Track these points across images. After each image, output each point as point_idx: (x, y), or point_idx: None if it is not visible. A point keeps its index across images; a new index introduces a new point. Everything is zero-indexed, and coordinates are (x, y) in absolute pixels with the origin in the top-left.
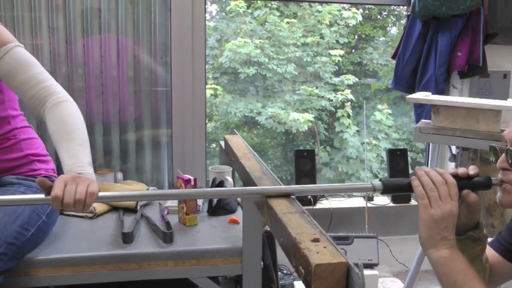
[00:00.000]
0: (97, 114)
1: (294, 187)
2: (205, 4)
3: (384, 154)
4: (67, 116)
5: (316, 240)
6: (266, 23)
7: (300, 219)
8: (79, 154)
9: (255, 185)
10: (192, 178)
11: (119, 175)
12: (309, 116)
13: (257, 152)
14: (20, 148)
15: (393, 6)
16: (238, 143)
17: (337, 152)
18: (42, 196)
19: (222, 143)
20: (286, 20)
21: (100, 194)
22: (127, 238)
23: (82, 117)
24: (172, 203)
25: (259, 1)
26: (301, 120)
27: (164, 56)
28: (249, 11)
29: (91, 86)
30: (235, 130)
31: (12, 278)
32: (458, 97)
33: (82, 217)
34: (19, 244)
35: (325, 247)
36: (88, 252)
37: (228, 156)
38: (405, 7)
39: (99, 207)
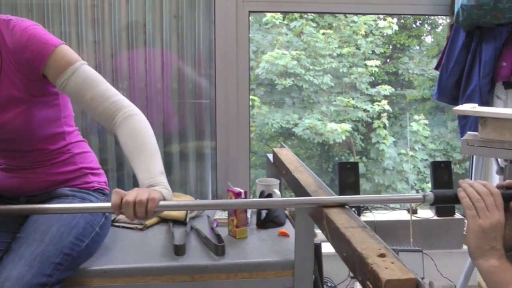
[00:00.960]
0: None
1: (349, 197)
2: (249, 17)
3: (420, 165)
4: (137, 129)
5: (382, 255)
6: (302, 34)
7: (363, 234)
8: (150, 166)
9: None
10: (242, 191)
11: None
12: (347, 126)
13: None
14: (74, 162)
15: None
16: (288, 156)
17: (373, 163)
18: (104, 204)
19: (270, 156)
20: (322, 31)
21: (162, 203)
22: (179, 250)
23: (151, 128)
24: (221, 216)
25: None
26: (339, 130)
27: (208, 68)
28: (285, 22)
29: (136, 98)
30: (282, 143)
31: (68, 287)
32: (506, 109)
33: (132, 228)
34: (75, 254)
35: (392, 263)
36: (141, 264)
37: (278, 169)
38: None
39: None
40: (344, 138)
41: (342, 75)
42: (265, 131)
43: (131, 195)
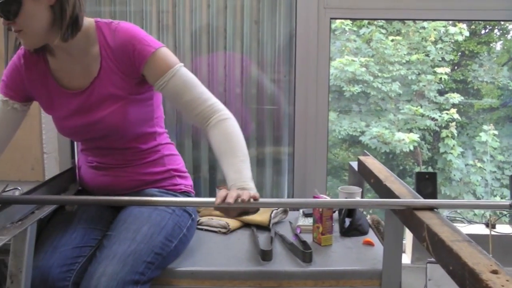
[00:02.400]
0: None
1: (438, 201)
2: (330, 25)
3: (489, 178)
4: (230, 133)
5: (495, 272)
6: (371, 41)
7: (470, 248)
8: (242, 170)
9: None
10: (328, 198)
11: None
12: (415, 136)
13: None
14: (163, 163)
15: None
16: (375, 165)
17: (440, 174)
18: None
19: (354, 164)
20: (390, 37)
21: (261, 200)
22: (266, 255)
23: (242, 133)
24: (304, 223)
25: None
26: (406, 140)
27: (288, 75)
28: (354, 28)
29: None
30: (366, 151)
31: (156, 286)
32: None
33: (216, 232)
34: (164, 254)
35: (507, 280)
36: (228, 267)
37: (364, 177)
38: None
39: (232, 222)
40: (412, 148)
41: (411, 83)
42: (330, 138)
43: (233, 193)
